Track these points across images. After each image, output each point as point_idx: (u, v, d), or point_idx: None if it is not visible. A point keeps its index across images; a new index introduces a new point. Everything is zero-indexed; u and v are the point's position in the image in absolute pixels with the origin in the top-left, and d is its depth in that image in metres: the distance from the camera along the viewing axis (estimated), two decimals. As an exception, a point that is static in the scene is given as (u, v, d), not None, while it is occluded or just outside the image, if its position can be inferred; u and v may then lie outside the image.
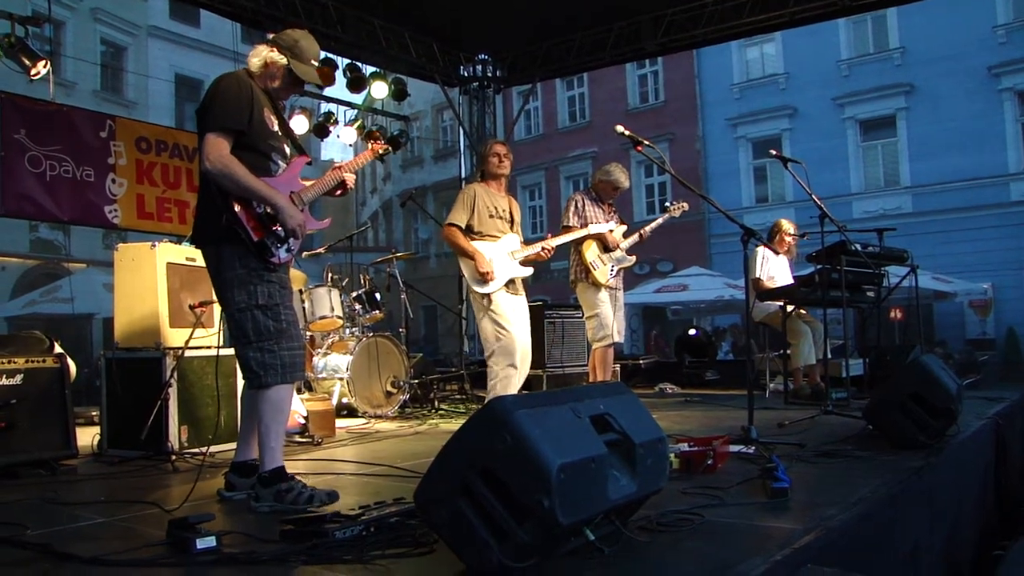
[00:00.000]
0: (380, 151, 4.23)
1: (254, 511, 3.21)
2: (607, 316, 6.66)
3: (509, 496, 2.04)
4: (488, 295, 5.56)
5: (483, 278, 5.55)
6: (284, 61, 3.52)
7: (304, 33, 3.61)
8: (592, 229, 6.53)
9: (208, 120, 3.31)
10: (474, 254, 5.57)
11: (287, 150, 3.59)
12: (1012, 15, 20.50)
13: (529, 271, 5.84)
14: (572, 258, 6.81)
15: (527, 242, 5.94)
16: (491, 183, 5.90)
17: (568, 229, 6.69)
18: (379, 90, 11.22)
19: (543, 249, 5.88)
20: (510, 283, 5.70)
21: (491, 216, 5.75)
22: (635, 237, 6.94)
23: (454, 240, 5.68)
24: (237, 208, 3.27)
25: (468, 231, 5.69)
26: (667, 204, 7.20)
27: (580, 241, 6.60)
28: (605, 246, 6.72)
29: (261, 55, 3.51)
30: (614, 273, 6.77)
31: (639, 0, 10.56)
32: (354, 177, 3.84)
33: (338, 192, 3.81)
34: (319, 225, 3.71)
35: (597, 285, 6.64)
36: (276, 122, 3.54)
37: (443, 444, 2.21)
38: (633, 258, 6.98)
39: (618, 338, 6.83)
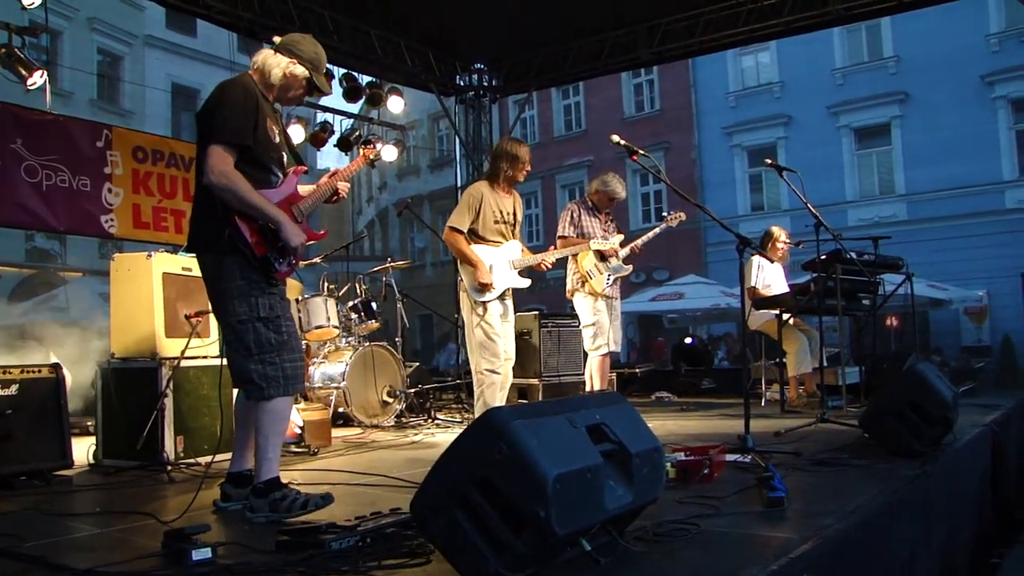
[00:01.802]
0: (371, 156, 4.23)
1: (250, 522, 3.20)
2: (604, 325, 6.65)
3: (505, 506, 2.04)
4: (483, 304, 5.55)
5: (483, 288, 5.53)
6: (307, 74, 3.51)
7: (314, 41, 3.59)
8: (594, 245, 6.48)
9: (213, 131, 3.26)
10: (476, 263, 5.53)
11: (285, 159, 3.57)
12: (1005, 23, 20.57)
13: (527, 282, 5.82)
14: (569, 267, 6.80)
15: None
16: (501, 184, 5.78)
17: (564, 239, 6.70)
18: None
19: (542, 263, 5.88)
20: (503, 292, 5.70)
21: (496, 221, 5.69)
22: (627, 249, 6.93)
23: (455, 245, 5.62)
24: (239, 223, 3.25)
25: (471, 234, 5.64)
26: (664, 214, 7.20)
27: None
28: (602, 255, 6.73)
29: (281, 67, 3.46)
30: (611, 282, 6.77)
31: (635, 9, 10.60)
32: (347, 185, 3.80)
33: (333, 199, 3.80)
34: (317, 236, 3.69)
35: (594, 294, 6.64)
36: (277, 132, 3.51)
37: (439, 454, 2.20)
38: (630, 268, 6.98)
39: (615, 347, 6.84)
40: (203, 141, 3.30)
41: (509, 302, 5.81)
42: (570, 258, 6.70)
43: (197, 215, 3.42)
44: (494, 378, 5.54)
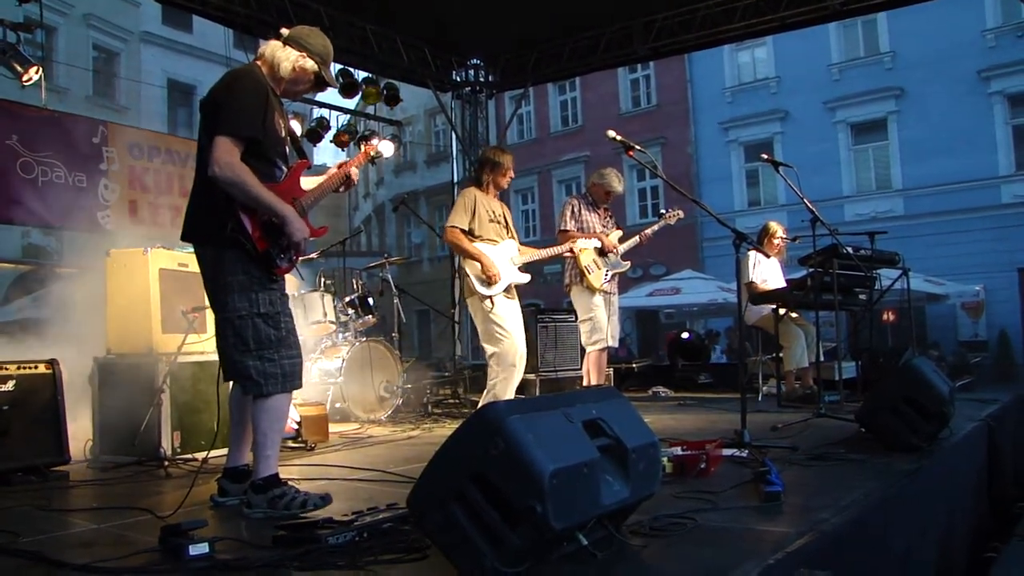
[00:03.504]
0: (372, 153, 4.22)
1: (247, 517, 3.20)
2: (601, 320, 6.67)
3: (502, 501, 2.05)
4: (490, 298, 5.60)
5: (489, 280, 5.58)
6: (316, 68, 3.48)
7: (322, 34, 3.56)
8: (579, 244, 6.47)
9: (222, 121, 3.18)
10: (480, 256, 5.63)
11: (289, 153, 3.54)
12: (1001, 19, 20.57)
13: (527, 277, 5.90)
14: (567, 262, 6.81)
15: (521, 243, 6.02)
16: (489, 190, 5.95)
17: (565, 233, 6.71)
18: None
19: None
20: (507, 287, 5.75)
21: (490, 220, 5.83)
22: (634, 240, 6.96)
23: (457, 242, 5.72)
24: (242, 216, 3.20)
25: (469, 234, 5.73)
26: (662, 212, 7.20)
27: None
28: (601, 250, 6.73)
29: (291, 60, 3.41)
30: (608, 278, 6.78)
31: (631, 5, 10.59)
32: (358, 172, 3.78)
33: (341, 189, 3.78)
34: (318, 232, 3.62)
35: (592, 289, 6.65)
36: (283, 125, 3.46)
37: (436, 449, 2.21)
38: (628, 264, 7.00)
39: (612, 342, 6.85)
40: (208, 131, 3.22)
41: (515, 300, 5.88)
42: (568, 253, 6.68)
43: (197, 206, 3.36)
44: (509, 372, 5.60)
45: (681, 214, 7.23)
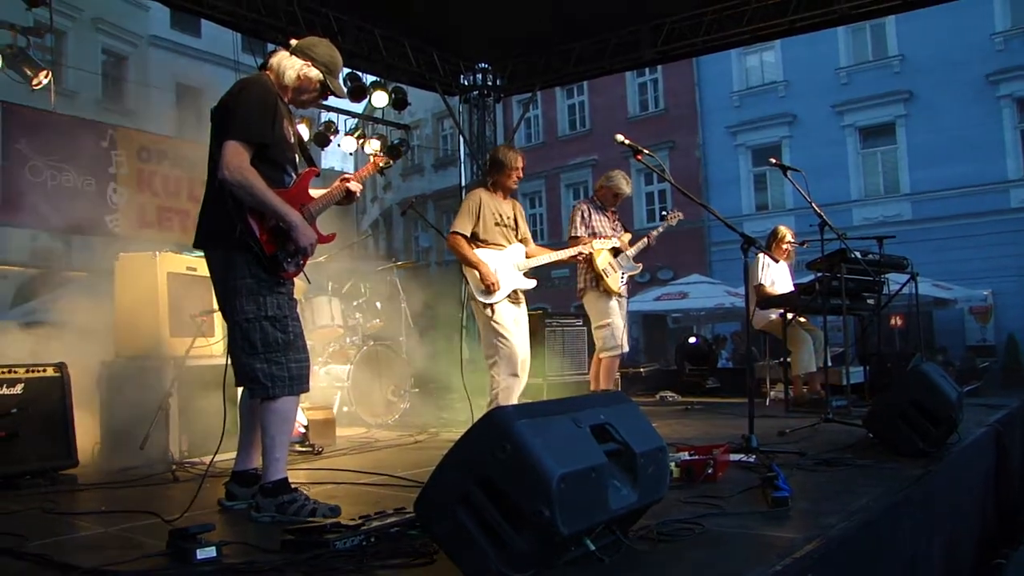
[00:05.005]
0: (380, 164, 4.22)
1: (255, 521, 3.20)
2: (618, 326, 6.60)
3: (509, 506, 2.04)
4: (491, 306, 5.55)
5: (488, 289, 5.54)
6: (321, 77, 3.52)
7: (331, 45, 3.60)
8: (597, 244, 6.43)
9: (232, 126, 3.24)
10: (478, 265, 5.55)
11: (298, 161, 3.58)
12: (1010, 22, 20.54)
13: (533, 283, 5.83)
14: (581, 266, 6.75)
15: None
16: (497, 191, 5.88)
17: (576, 239, 6.67)
18: (379, 99, 11.25)
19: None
20: (511, 293, 5.71)
21: (497, 224, 5.73)
22: (642, 243, 6.92)
23: (458, 249, 5.65)
24: (250, 220, 3.24)
25: (473, 239, 5.67)
26: (664, 214, 7.19)
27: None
28: (616, 253, 6.70)
29: (296, 69, 3.47)
30: (623, 281, 6.75)
31: (639, 9, 10.58)
32: (360, 186, 3.79)
33: (346, 200, 3.80)
34: (326, 239, 3.64)
35: (609, 293, 6.60)
36: (292, 133, 3.52)
37: (443, 454, 2.21)
38: (640, 266, 6.97)
39: (625, 348, 6.80)
40: (219, 136, 3.28)
41: (522, 305, 5.82)
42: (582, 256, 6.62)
43: (208, 211, 3.40)
44: (511, 381, 5.55)
45: (681, 215, 7.18)
